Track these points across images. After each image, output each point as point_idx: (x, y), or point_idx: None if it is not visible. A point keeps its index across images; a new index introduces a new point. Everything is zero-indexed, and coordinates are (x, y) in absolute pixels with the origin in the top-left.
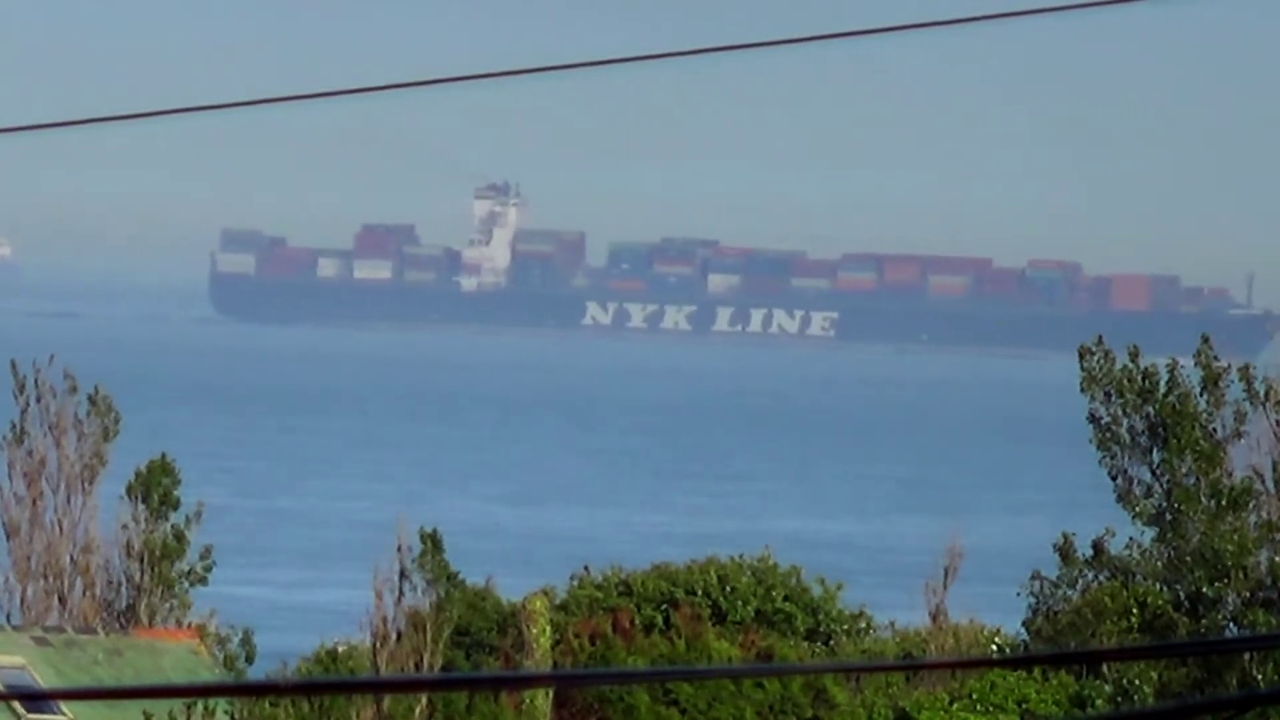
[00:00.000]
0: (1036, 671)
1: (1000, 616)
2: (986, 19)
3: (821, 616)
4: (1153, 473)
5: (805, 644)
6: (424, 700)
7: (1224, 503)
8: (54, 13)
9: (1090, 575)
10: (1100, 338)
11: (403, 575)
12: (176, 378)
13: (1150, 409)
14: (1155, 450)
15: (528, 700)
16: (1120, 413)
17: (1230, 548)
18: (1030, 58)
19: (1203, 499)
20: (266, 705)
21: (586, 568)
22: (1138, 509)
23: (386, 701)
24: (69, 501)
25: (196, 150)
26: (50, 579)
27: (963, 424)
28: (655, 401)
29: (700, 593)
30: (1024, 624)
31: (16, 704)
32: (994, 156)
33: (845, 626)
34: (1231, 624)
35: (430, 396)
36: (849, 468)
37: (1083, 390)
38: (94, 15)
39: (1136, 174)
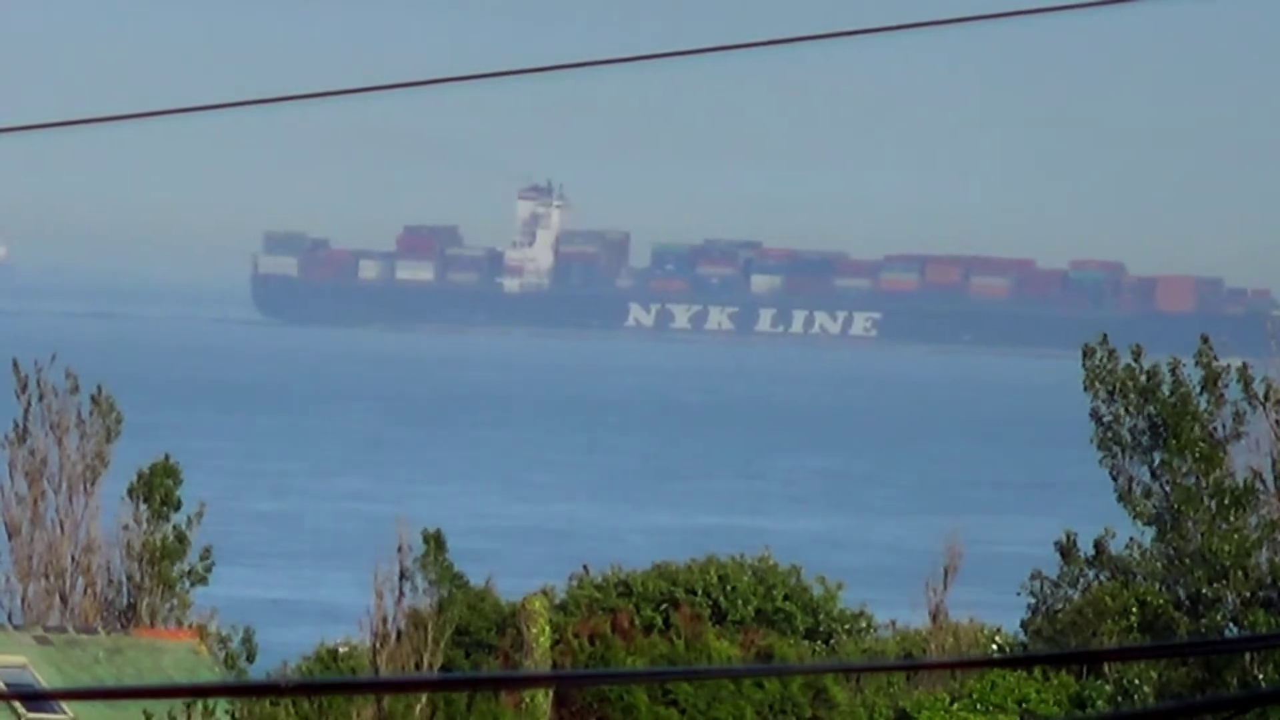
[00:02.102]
0: (1037, 671)
1: (1000, 616)
2: (1023, 14)
3: (822, 616)
4: (1153, 473)
5: (805, 643)
6: (424, 700)
7: (1224, 503)
8: (84, 12)
9: (1090, 575)
10: (1105, 336)
11: (403, 575)
12: (212, 378)
13: (1152, 409)
14: (1156, 450)
15: (528, 700)
16: (1122, 412)
17: (1230, 548)
18: (1071, 56)
19: (1203, 499)
20: (267, 705)
21: (586, 568)
22: (1138, 509)
23: (386, 701)
24: (70, 501)
25: (237, 152)
26: (52, 578)
27: (979, 424)
28: (686, 402)
29: (700, 592)
30: (1022, 624)
31: (17, 703)
32: (1035, 157)
33: (845, 626)
34: (1231, 624)
35: (458, 397)
36: (856, 467)
37: (1085, 389)
38: (120, 15)
39: (1179, 174)
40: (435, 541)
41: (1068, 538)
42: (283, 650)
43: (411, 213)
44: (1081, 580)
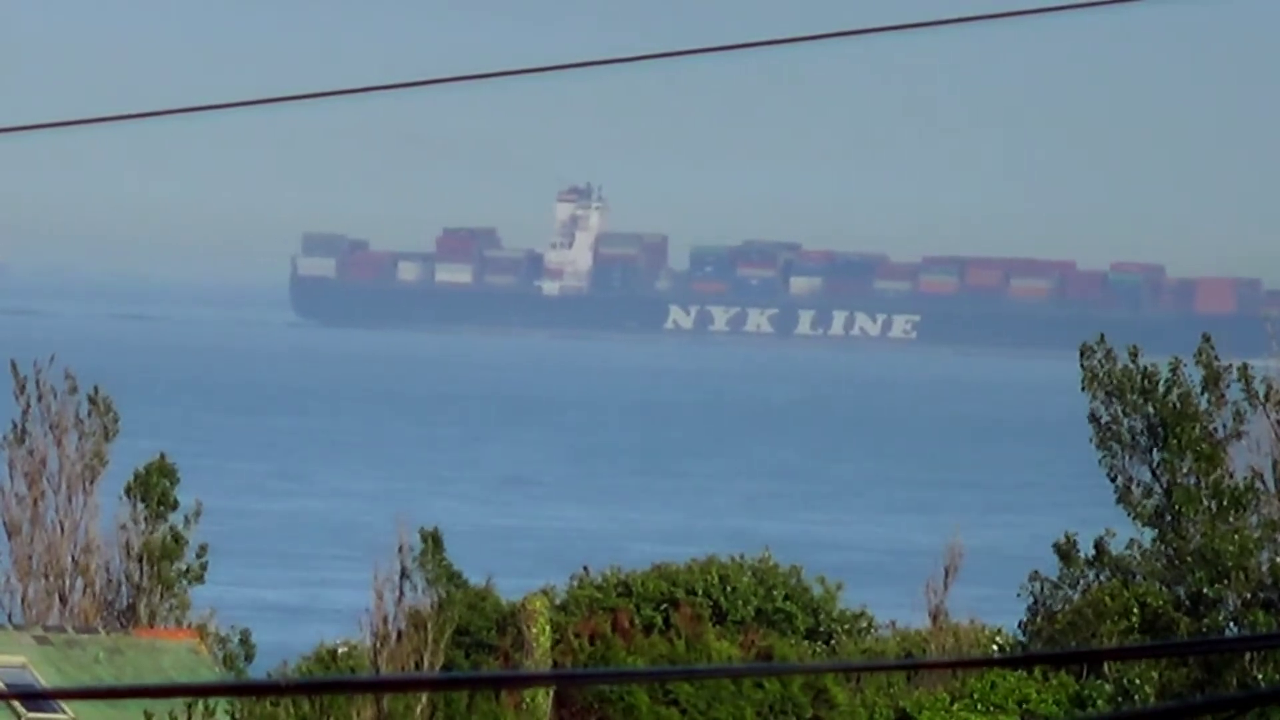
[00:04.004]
0: (1037, 671)
1: (1000, 617)
2: (1048, 11)
3: (822, 616)
4: (1153, 473)
5: (805, 644)
6: (424, 700)
7: (1224, 503)
8: (91, 11)
9: (1090, 575)
10: (1102, 336)
11: (403, 575)
12: (239, 380)
13: (1151, 409)
14: (1155, 450)
15: (528, 700)
16: (1121, 413)
17: (1230, 548)
18: (1112, 57)
19: (1203, 499)
20: (267, 705)
21: (586, 568)
22: (1138, 509)
23: (386, 701)
24: (70, 501)
25: (275, 154)
26: (51, 578)
27: (998, 426)
28: (704, 403)
29: (700, 592)
30: (1020, 624)
31: (17, 703)
32: (1075, 159)
33: (846, 626)
34: (1232, 624)
35: (474, 398)
36: (863, 468)
37: (1084, 390)
38: (128, 14)
39: (1218, 176)
40: (433, 540)
41: (1067, 539)
42: (283, 650)
43: (450, 214)
44: (1081, 581)
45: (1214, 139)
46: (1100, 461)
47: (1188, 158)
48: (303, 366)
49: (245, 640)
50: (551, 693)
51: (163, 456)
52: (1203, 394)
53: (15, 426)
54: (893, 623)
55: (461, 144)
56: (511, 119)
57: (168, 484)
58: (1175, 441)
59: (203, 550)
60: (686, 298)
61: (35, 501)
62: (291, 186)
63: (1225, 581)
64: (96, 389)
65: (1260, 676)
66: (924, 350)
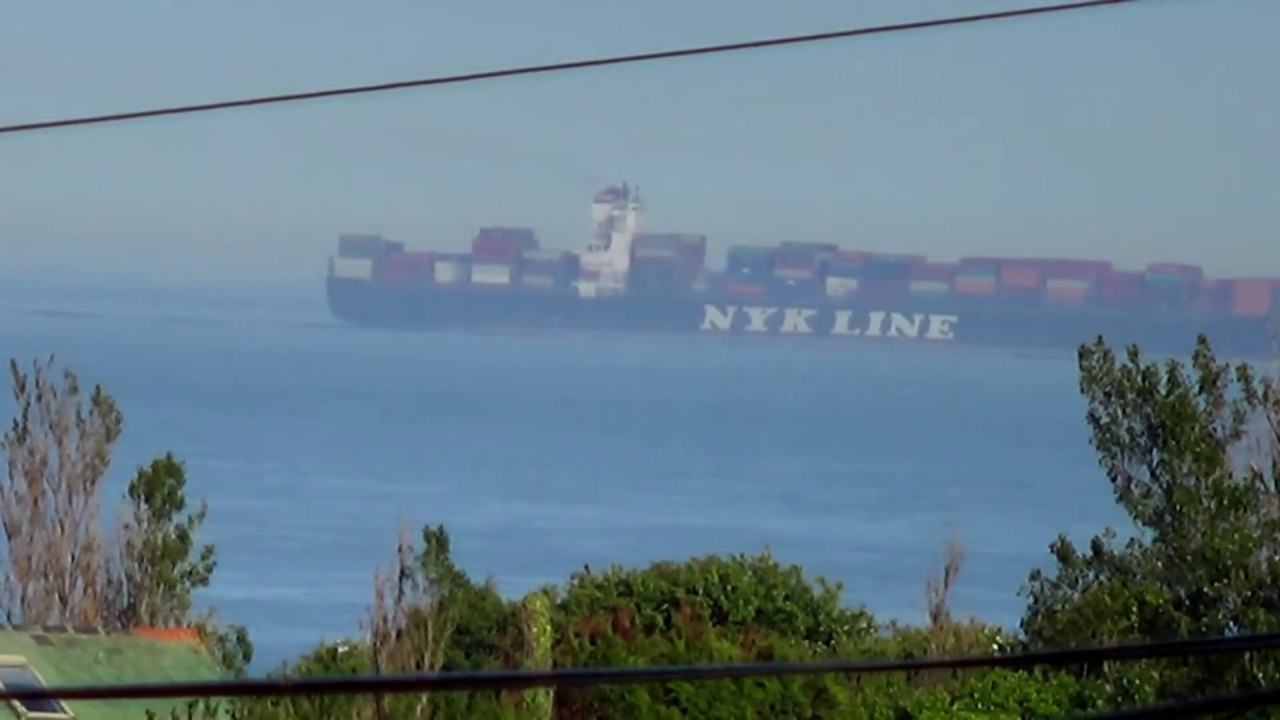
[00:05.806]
0: (1037, 671)
1: (1001, 616)
2: (1099, 3)
3: (822, 616)
4: (1152, 473)
5: (806, 643)
6: (424, 700)
7: (1224, 503)
8: (117, 10)
9: (1090, 575)
10: (1100, 337)
11: (403, 574)
12: (260, 381)
13: (1150, 409)
14: (1155, 450)
15: (528, 700)
16: (1120, 413)
17: (1230, 547)
18: (1145, 58)
19: (1203, 499)
20: (267, 705)
21: (587, 567)
22: (1138, 509)
23: (386, 701)
24: (70, 501)
25: (312, 155)
26: (51, 578)
27: (1013, 426)
28: (716, 404)
29: (701, 592)
30: (1023, 623)
31: (17, 702)
32: (1112, 159)
33: (846, 626)
34: (1232, 624)
35: (501, 399)
36: (867, 468)
37: (1082, 391)
38: (148, 14)
39: (1256, 177)
40: (437, 540)
41: (1062, 540)
42: (283, 650)
43: (487, 216)
44: (1081, 581)
45: (1252, 139)
46: (1100, 462)
47: (1226, 158)
48: (330, 367)
49: (241, 639)
50: (551, 693)
51: (169, 456)
52: (1199, 394)
53: (16, 426)
54: (893, 623)
55: (498, 145)
56: (548, 120)
57: (173, 483)
58: (1175, 442)
59: (208, 551)
60: (723, 299)
61: (35, 501)
62: (328, 188)
63: (1225, 581)
64: (99, 388)
65: (1260, 676)
66: (961, 351)
